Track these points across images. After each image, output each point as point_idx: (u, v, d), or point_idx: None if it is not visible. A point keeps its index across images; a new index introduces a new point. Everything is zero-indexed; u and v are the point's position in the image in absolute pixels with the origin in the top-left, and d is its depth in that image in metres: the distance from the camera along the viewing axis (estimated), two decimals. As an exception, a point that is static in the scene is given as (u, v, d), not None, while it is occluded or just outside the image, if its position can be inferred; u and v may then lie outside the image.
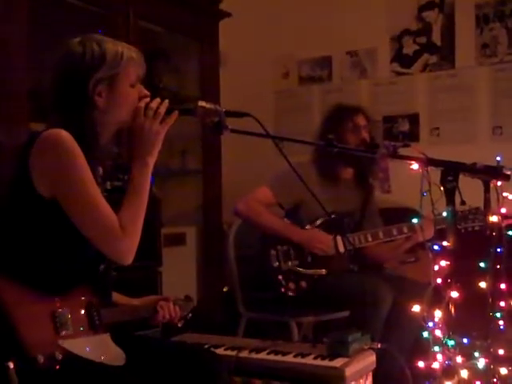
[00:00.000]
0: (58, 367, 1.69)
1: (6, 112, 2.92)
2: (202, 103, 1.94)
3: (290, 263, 3.15)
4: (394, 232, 3.21)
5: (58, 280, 1.82)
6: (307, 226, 3.25)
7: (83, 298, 1.87)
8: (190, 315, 2.21)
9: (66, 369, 1.70)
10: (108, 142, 1.94)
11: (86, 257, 1.87)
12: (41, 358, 1.67)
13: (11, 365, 1.64)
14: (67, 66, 1.87)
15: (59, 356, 1.70)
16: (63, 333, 1.77)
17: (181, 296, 2.25)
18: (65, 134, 1.78)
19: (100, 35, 1.93)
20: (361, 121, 3.37)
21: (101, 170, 1.95)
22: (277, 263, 3.14)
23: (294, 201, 3.27)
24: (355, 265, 3.33)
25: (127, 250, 1.82)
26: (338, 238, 3.19)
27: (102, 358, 1.82)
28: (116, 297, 2.09)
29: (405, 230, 3.20)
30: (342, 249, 3.19)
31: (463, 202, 3.07)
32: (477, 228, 3.08)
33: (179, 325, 2.16)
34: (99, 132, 1.89)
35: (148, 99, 1.92)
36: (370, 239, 3.20)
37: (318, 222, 3.25)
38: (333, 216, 3.20)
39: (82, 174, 1.79)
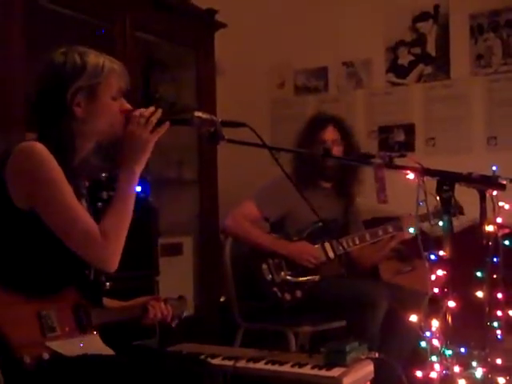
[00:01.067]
0: (44, 367, 1.68)
1: (3, 121, 2.93)
2: (198, 113, 1.94)
3: (282, 274, 3.17)
4: (380, 232, 3.27)
5: (43, 283, 1.82)
6: (294, 238, 3.27)
7: (70, 300, 1.87)
8: (185, 314, 2.20)
9: (53, 369, 1.70)
10: (89, 154, 1.94)
11: (69, 261, 1.87)
12: (27, 359, 1.67)
13: None
14: (48, 76, 1.89)
15: (46, 356, 1.70)
16: (50, 334, 1.77)
17: (174, 296, 2.24)
18: (38, 146, 1.79)
19: (84, 47, 1.93)
20: (328, 135, 3.38)
21: (86, 182, 1.96)
22: (270, 276, 3.15)
23: (280, 213, 3.31)
24: (345, 269, 3.35)
25: (109, 256, 1.83)
26: (327, 244, 3.22)
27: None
28: (106, 302, 2.09)
29: (390, 229, 3.26)
30: (331, 254, 3.22)
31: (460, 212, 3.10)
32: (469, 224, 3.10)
33: (173, 325, 2.15)
34: (78, 143, 1.89)
35: (138, 110, 1.91)
36: (357, 242, 3.25)
37: (305, 233, 3.27)
38: (320, 224, 3.23)
39: (56, 185, 1.79)
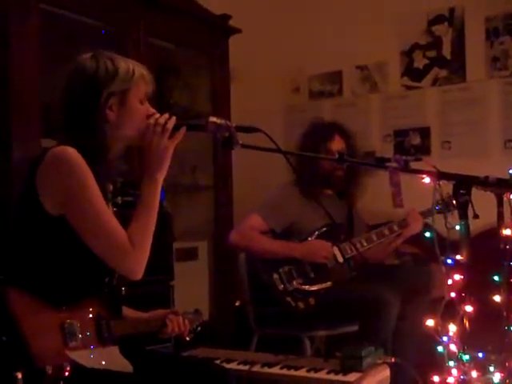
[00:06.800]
0: (65, 378, 1.69)
1: (19, 128, 2.95)
2: (212, 119, 1.95)
3: (294, 283, 3.16)
4: (386, 232, 3.30)
5: (66, 291, 1.83)
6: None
7: (92, 310, 1.88)
8: (199, 328, 2.20)
9: (74, 380, 1.71)
10: (116, 158, 1.96)
11: (94, 270, 1.88)
12: (49, 369, 1.67)
13: (19, 375, 1.64)
14: (80, 80, 1.90)
15: (67, 367, 1.71)
16: (72, 344, 1.78)
17: (190, 310, 2.24)
18: (71, 151, 1.79)
19: (110, 52, 1.95)
20: (335, 145, 3.39)
21: (111, 186, 1.97)
22: (282, 286, 3.15)
23: (286, 223, 3.30)
24: (354, 271, 3.35)
25: (137, 265, 1.83)
26: (335, 248, 3.23)
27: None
28: (125, 311, 2.10)
29: (395, 228, 3.29)
30: (340, 259, 3.22)
31: (476, 216, 3.07)
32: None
33: (188, 338, 2.16)
34: (109, 146, 1.90)
35: (157, 115, 1.93)
36: (365, 244, 3.27)
37: (313, 237, 3.26)
38: (325, 229, 3.23)
39: (89, 191, 1.80)
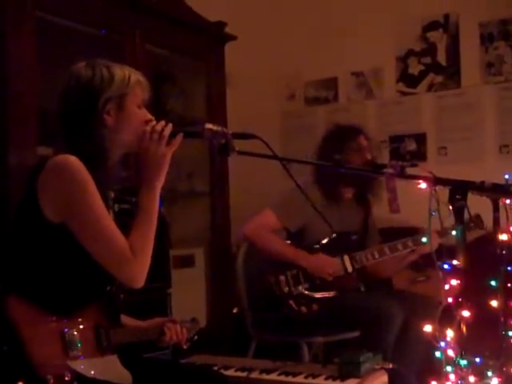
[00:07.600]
0: None
1: (16, 135, 2.94)
2: (209, 125, 1.95)
3: (300, 287, 3.16)
4: (400, 247, 3.25)
5: (67, 300, 1.83)
6: (316, 246, 3.26)
7: (92, 319, 1.87)
8: (196, 337, 2.21)
9: None
10: (115, 165, 1.96)
11: (94, 278, 1.88)
12: (50, 379, 1.67)
13: None
14: (76, 88, 1.90)
15: (68, 376, 1.70)
16: (72, 353, 1.77)
17: (187, 318, 2.24)
18: (73, 159, 1.79)
19: (105, 60, 1.96)
20: (363, 142, 3.39)
21: (112, 193, 1.97)
22: (287, 288, 3.14)
23: (300, 224, 3.28)
24: (362, 283, 3.33)
25: (139, 273, 1.83)
26: (346, 257, 3.20)
27: (109, 379, 1.81)
28: (124, 319, 2.09)
29: (410, 243, 3.25)
30: (350, 268, 3.20)
31: (472, 221, 3.09)
32: (480, 234, 3.07)
33: (185, 347, 2.16)
34: (108, 151, 1.90)
35: (154, 122, 1.94)
36: (376, 256, 3.23)
37: (324, 241, 3.26)
38: (334, 235, 3.21)
39: (90, 198, 1.79)
